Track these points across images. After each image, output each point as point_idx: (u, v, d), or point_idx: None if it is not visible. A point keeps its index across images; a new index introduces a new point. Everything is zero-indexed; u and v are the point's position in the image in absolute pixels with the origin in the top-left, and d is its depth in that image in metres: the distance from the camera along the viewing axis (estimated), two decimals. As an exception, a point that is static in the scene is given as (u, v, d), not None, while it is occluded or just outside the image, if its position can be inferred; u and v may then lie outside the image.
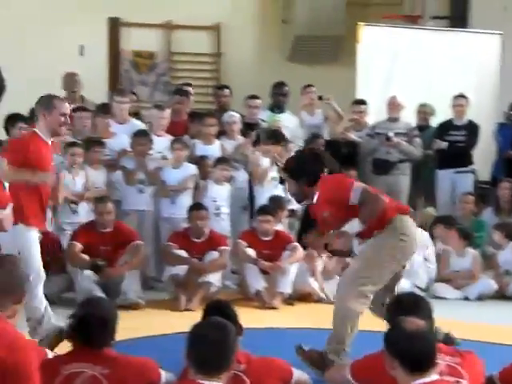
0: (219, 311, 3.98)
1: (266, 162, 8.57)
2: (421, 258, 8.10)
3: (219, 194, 8.27)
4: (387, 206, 5.08)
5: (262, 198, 8.39)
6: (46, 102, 5.61)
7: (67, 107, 5.73)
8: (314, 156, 5.46)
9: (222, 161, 8.34)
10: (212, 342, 3.27)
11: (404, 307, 3.65)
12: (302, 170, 5.28)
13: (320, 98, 9.72)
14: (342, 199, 5.04)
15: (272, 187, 8.53)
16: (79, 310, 3.81)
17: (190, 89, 9.58)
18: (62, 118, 5.60)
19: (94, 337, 3.70)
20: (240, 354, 3.81)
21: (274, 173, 8.57)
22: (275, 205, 8.11)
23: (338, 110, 9.67)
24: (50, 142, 5.62)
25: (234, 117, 8.89)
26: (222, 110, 9.29)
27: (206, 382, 3.23)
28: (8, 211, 4.81)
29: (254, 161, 8.57)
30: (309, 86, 9.75)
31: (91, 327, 3.69)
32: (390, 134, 9.27)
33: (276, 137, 8.68)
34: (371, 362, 3.62)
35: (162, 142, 8.46)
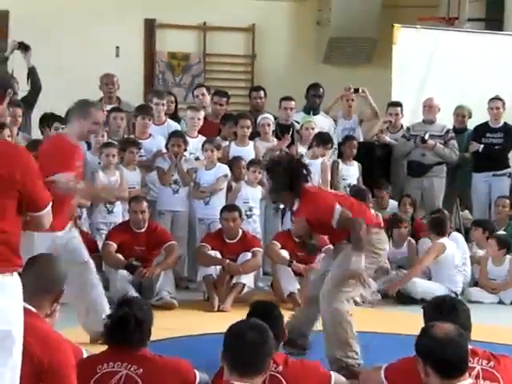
0: (265, 313, 4.00)
1: (315, 165, 8.52)
2: (458, 262, 8.03)
3: (251, 196, 8.27)
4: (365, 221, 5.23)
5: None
6: (84, 108, 5.63)
7: (102, 116, 5.78)
8: (299, 164, 5.48)
9: (253, 163, 8.33)
10: (250, 343, 3.27)
11: (442, 311, 3.62)
12: (287, 178, 5.29)
13: (356, 90, 9.70)
14: (323, 222, 5.25)
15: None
16: (116, 310, 3.85)
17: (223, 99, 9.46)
18: (94, 127, 5.64)
19: (129, 337, 3.73)
20: (278, 356, 3.82)
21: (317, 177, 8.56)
22: None
23: (372, 105, 9.65)
24: (78, 145, 5.67)
25: (267, 119, 8.90)
26: (256, 112, 9.31)
27: (240, 383, 3.23)
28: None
29: None
30: (355, 91, 9.71)
31: (127, 327, 3.72)
32: (426, 136, 9.23)
33: (325, 140, 8.69)
34: (406, 366, 3.59)
35: (195, 143, 8.51)
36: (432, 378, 3.24)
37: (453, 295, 7.23)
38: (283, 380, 3.75)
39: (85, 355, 3.83)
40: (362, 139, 9.62)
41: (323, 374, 3.92)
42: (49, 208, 3.29)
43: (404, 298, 7.77)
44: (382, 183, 9.10)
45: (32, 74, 8.52)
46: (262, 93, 9.58)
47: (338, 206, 5.22)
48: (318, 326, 5.54)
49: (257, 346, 3.28)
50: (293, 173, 5.31)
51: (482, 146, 9.35)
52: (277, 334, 3.86)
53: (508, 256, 8.20)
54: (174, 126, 8.75)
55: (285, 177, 5.29)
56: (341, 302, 5.13)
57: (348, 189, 8.92)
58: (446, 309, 3.66)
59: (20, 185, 3.11)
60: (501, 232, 8.64)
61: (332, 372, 3.95)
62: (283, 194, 5.35)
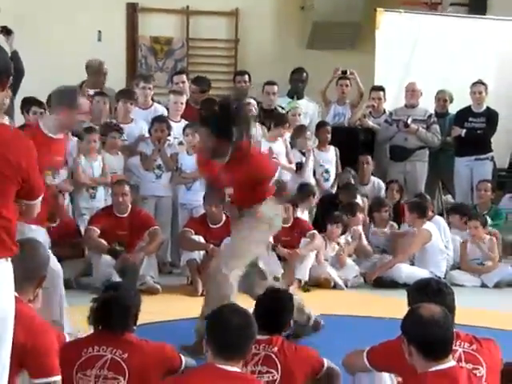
0: (283, 300, 4.10)
1: (277, 147, 8.55)
2: (441, 246, 8.08)
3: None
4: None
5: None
6: (72, 98, 5.22)
7: (87, 104, 5.55)
8: (243, 113, 5.21)
9: None
10: (236, 327, 3.30)
11: (428, 293, 3.63)
12: (229, 128, 4.92)
13: (344, 72, 9.71)
14: (267, 176, 5.24)
15: (283, 175, 8.53)
16: (102, 294, 3.85)
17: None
18: (83, 117, 5.42)
19: (115, 321, 3.73)
20: (275, 338, 3.88)
21: (283, 158, 8.57)
22: (305, 191, 8.15)
23: (360, 86, 9.67)
24: (55, 137, 5.18)
25: (250, 104, 8.87)
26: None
27: (225, 366, 3.25)
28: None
29: None
30: (343, 77, 9.71)
31: (113, 311, 3.73)
32: (409, 120, 9.25)
33: (279, 119, 8.65)
34: (389, 348, 3.61)
35: (178, 128, 8.48)
36: (415, 358, 3.26)
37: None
38: (277, 360, 3.79)
39: (67, 340, 3.82)
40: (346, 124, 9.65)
41: (316, 359, 3.95)
42: (41, 198, 3.29)
43: (387, 283, 7.80)
44: (366, 156, 9.15)
45: (15, 58, 8.43)
46: (246, 77, 9.57)
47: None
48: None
49: (242, 330, 3.32)
50: (242, 130, 5.02)
51: (464, 130, 9.38)
52: (286, 323, 4.04)
53: (488, 236, 8.25)
54: (160, 110, 8.72)
55: (237, 135, 4.98)
56: (234, 278, 5.12)
57: (325, 175, 8.96)
58: (432, 291, 3.67)
59: (25, 174, 3.12)
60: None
61: (325, 359, 3.97)
62: (225, 147, 5.00)
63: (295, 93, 9.60)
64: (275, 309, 4.01)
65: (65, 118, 5.13)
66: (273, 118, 8.70)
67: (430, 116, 9.46)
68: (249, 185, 5.13)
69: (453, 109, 9.81)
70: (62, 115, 5.12)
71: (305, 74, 9.68)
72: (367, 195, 9.06)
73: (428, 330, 3.22)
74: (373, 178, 9.31)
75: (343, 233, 8.04)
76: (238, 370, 3.29)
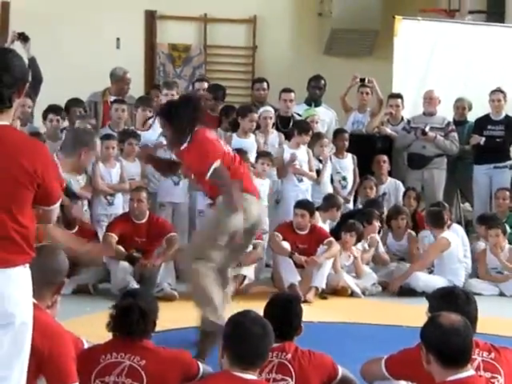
0: (290, 305, 4.06)
1: (300, 154, 8.55)
2: (460, 255, 8.04)
3: (260, 189, 8.23)
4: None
5: (286, 192, 8.47)
6: (90, 140, 5.31)
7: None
8: (192, 102, 5.42)
9: (263, 155, 8.31)
10: (254, 336, 3.32)
11: (454, 302, 3.60)
12: (180, 114, 5.24)
13: (362, 80, 9.69)
14: (200, 171, 5.30)
15: (303, 182, 8.53)
16: (121, 301, 3.86)
17: (291, 94, 9.32)
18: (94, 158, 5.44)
19: (133, 328, 3.74)
20: (289, 344, 3.87)
21: (305, 165, 8.57)
22: (330, 203, 8.16)
23: (379, 94, 9.65)
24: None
25: (269, 112, 8.86)
26: (258, 103, 9.31)
27: (242, 374, 3.25)
28: None
29: (277, 154, 8.58)
30: (364, 85, 9.70)
31: (132, 318, 3.74)
32: (427, 128, 9.23)
33: (302, 127, 8.67)
34: (407, 357, 3.60)
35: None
36: (434, 366, 3.24)
37: (453, 287, 7.25)
38: (291, 368, 3.78)
39: (85, 346, 3.83)
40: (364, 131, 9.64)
41: (331, 366, 3.92)
42: (59, 203, 3.30)
43: (405, 291, 7.77)
44: (383, 156, 9.20)
45: (32, 64, 8.50)
46: (265, 84, 9.58)
47: (217, 162, 5.24)
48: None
49: (261, 340, 3.34)
50: (196, 112, 5.30)
51: (483, 138, 9.34)
52: (296, 327, 3.99)
53: (507, 246, 8.19)
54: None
55: (189, 116, 5.25)
56: (201, 261, 5.19)
57: (343, 182, 8.96)
58: (458, 299, 3.64)
59: (40, 179, 3.12)
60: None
61: (340, 366, 3.95)
62: (181, 134, 5.26)
63: (313, 100, 9.60)
64: (284, 314, 3.98)
65: (84, 159, 5.23)
66: (296, 126, 8.71)
67: (448, 124, 9.43)
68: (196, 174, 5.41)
69: (471, 117, 9.77)
70: (82, 157, 5.19)
71: (323, 82, 9.68)
72: (386, 192, 9.08)
73: (448, 338, 3.21)
74: (390, 179, 9.30)
75: (358, 241, 8.01)
76: (255, 377, 3.29)
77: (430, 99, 9.46)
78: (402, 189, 9.21)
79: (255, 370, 3.31)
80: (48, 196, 3.22)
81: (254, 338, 3.30)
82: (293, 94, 9.29)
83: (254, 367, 3.31)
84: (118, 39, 11.32)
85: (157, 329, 3.93)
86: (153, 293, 6.32)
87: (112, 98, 8.84)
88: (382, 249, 8.29)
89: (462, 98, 9.77)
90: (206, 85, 9.38)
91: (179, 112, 5.26)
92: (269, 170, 8.29)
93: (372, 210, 8.50)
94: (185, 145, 5.30)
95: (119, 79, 9.02)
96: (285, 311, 3.98)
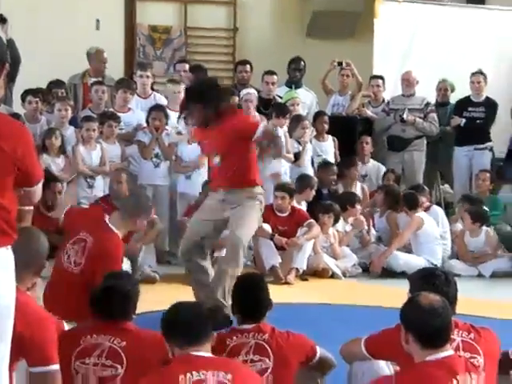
0: (252, 284, 4.06)
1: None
2: (436, 234, 8.09)
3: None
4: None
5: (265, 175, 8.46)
6: (150, 208, 5.56)
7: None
8: (215, 83, 5.79)
9: None
10: (192, 315, 3.39)
11: (434, 283, 3.62)
12: (211, 95, 5.53)
13: (340, 63, 9.69)
14: (248, 134, 5.52)
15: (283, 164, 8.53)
16: (102, 283, 3.86)
17: (273, 77, 9.34)
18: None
19: (114, 310, 3.74)
20: (265, 326, 3.88)
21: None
22: (304, 183, 8.15)
23: (358, 77, 9.64)
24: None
25: (250, 94, 8.84)
26: (241, 86, 9.28)
27: (195, 353, 3.29)
28: None
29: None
30: (343, 68, 9.68)
31: (113, 300, 3.74)
32: (404, 114, 9.23)
33: (280, 110, 8.65)
34: (387, 337, 3.62)
35: (176, 117, 8.46)
36: (413, 346, 3.26)
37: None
38: (268, 348, 3.79)
39: (66, 328, 3.83)
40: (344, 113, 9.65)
41: (309, 346, 3.94)
42: (41, 183, 3.29)
43: (385, 272, 7.82)
44: (366, 137, 9.27)
45: (10, 46, 8.43)
46: (248, 67, 9.56)
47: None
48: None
49: (199, 316, 3.42)
50: (220, 91, 5.70)
51: (463, 120, 9.38)
52: (265, 302, 3.98)
53: (484, 228, 8.25)
54: (160, 99, 8.72)
55: (218, 96, 5.59)
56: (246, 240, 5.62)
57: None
58: (439, 280, 3.66)
59: (20, 161, 3.10)
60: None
61: (318, 347, 3.97)
62: (213, 113, 5.54)
63: (293, 82, 9.58)
64: (253, 295, 3.98)
65: (139, 225, 5.41)
66: (274, 109, 8.69)
67: (427, 104, 9.44)
68: (235, 144, 5.53)
69: (454, 98, 9.80)
70: (138, 223, 5.31)
71: (302, 63, 9.66)
72: (367, 175, 9.11)
73: (426, 318, 3.22)
74: (373, 161, 9.34)
75: (335, 222, 8.04)
76: (207, 354, 3.33)
77: (407, 80, 9.48)
78: (384, 171, 9.24)
79: (203, 346, 3.34)
80: (29, 176, 3.20)
81: (192, 318, 3.37)
82: (275, 77, 9.27)
83: (199, 344, 3.32)
84: (97, 20, 11.22)
85: (138, 311, 3.94)
86: (134, 275, 6.30)
87: (91, 80, 8.80)
88: (365, 230, 8.33)
89: (444, 79, 9.80)
90: (187, 66, 9.35)
91: (210, 93, 5.55)
92: None
93: (354, 193, 8.54)
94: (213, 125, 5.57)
95: (93, 58, 8.98)
96: (252, 291, 3.99)
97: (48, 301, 4.77)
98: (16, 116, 7.46)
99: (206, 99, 5.52)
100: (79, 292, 4.64)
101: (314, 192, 8.31)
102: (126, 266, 5.65)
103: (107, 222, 5.16)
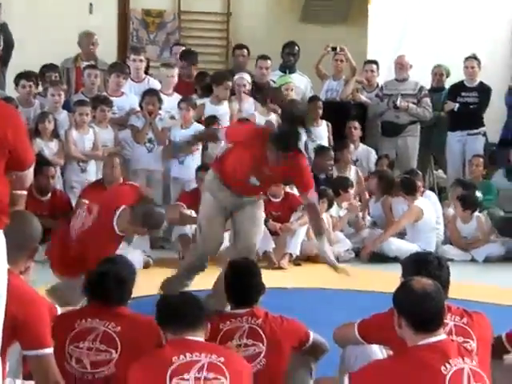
0: (245, 268, 4.05)
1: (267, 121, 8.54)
2: (433, 223, 8.10)
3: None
4: None
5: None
6: (159, 222, 5.38)
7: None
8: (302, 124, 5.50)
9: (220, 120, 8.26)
10: (187, 301, 3.45)
11: (427, 267, 3.63)
12: (294, 142, 5.31)
13: (334, 48, 9.65)
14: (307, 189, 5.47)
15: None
16: (98, 267, 3.85)
17: (267, 62, 9.29)
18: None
19: (109, 293, 3.74)
20: (258, 310, 3.88)
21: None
22: None
23: (352, 62, 9.61)
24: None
25: (243, 79, 8.82)
26: (238, 70, 9.26)
27: (191, 337, 3.33)
28: None
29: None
30: (333, 49, 9.64)
31: (107, 284, 3.74)
32: (398, 101, 9.21)
33: (273, 95, 8.63)
34: (379, 321, 3.63)
35: (170, 101, 8.45)
36: (405, 330, 3.26)
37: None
38: (262, 333, 3.80)
39: (59, 312, 3.82)
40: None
41: (302, 331, 3.95)
42: (32, 167, 3.28)
43: (377, 257, 7.83)
44: (354, 122, 9.24)
45: (4, 30, 8.40)
46: (245, 51, 9.55)
47: None
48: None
49: (194, 303, 3.46)
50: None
51: (457, 105, 9.37)
52: (258, 287, 3.97)
53: (475, 214, 8.26)
54: (154, 83, 8.70)
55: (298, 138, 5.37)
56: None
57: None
58: (431, 264, 3.67)
59: (11, 144, 3.08)
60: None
61: (311, 331, 3.98)
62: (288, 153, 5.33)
63: (287, 67, 9.56)
64: (245, 280, 3.97)
65: (142, 232, 5.46)
66: (269, 94, 8.67)
67: (420, 89, 9.42)
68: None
69: (449, 83, 9.78)
70: (141, 231, 5.34)
71: (296, 48, 9.63)
72: (358, 160, 9.11)
73: (419, 302, 3.23)
74: (362, 145, 9.32)
75: (329, 207, 8.04)
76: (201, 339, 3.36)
77: (400, 65, 9.46)
78: (374, 156, 9.24)
79: (197, 331, 3.37)
80: (21, 160, 3.18)
81: (186, 304, 3.43)
82: (269, 62, 9.25)
83: (193, 329, 3.36)
84: (90, 4, 11.16)
85: (132, 295, 3.94)
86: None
87: (84, 64, 8.77)
88: (360, 215, 8.34)
89: (439, 64, 9.77)
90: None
91: (293, 140, 5.32)
92: None
93: (347, 178, 8.53)
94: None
95: (83, 41, 8.98)
96: (245, 276, 3.98)
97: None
98: (9, 99, 7.44)
99: (290, 149, 5.30)
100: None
101: None
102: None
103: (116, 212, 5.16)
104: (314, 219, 5.56)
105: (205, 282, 5.81)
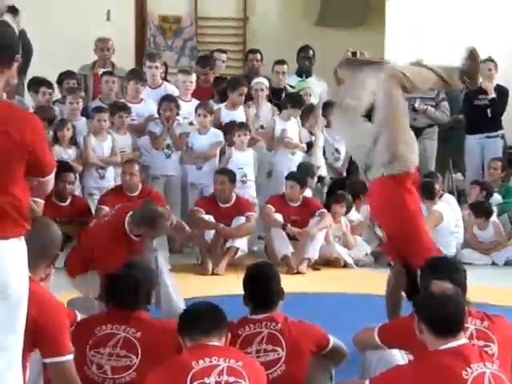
0: (263, 273, 4.02)
1: (291, 126, 8.53)
2: (452, 227, 8.05)
3: (244, 161, 8.20)
4: None
5: (279, 165, 8.41)
6: (156, 225, 5.47)
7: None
8: None
9: (240, 126, 8.27)
10: (207, 308, 3.47)
11: (443, 271, 3.62)
12: None
13: (354, 54, 9.61)
14: None
15: (296, 154, 8.51)
16: (117, 272, 3.86)
17: (223, 55, 9.53)
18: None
19: (127, 299, 3.75)
20: (277, 315, 3.87)
21: (296, 137, 8.53)
22: (304, 171, 8.11)
23: None
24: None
25: (261, 84, 8.82)
26: (252, 74, 9.28)
27: (209, 342, 3.34)
28: None
29: (267, 126, 8.57)
30: (353, 54, 9.61)
31: (124, 289, 3.74)
32: (416, 103, 9.18)
33: (296, 100, 8.63)
34: (400, 325, 3.63)
35: (188, 107, 8.46)
36: (426, 335, 3.26)
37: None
38: (281, 338, 3.79)
39: (79, 318, 3.83)
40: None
41: (321, 336, 3.94)
42: (53, 173, 3.28)
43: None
44: None
45: (22, 37, 8.43)
46: (258, 55, 9.59)
47: None
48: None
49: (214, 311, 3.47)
50: None
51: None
52: (277, 291, 3.94)
53: (491, 219, 8.20)
54: (171, 89, 8.71)
55: None
56: None
57: (336, 154, 8.92)
58: (448, 269, 3.66)
59: (31, 148, 3.08)
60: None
61: (330, 336, 3.97)
62: None
63: (303, 71, 9.56)
64: (264, 284, 3.95)
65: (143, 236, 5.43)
66: (290, 99, 8.67)
67: (438, 93, 9.39)
68: None
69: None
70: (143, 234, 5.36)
71: (311, 52, 9.63)
72: None
73: (440, 306, 3.22)
74: None
75: (347, 212, 8.02)
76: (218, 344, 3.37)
77: (417, 67, 9.41)
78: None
79: (216, 338, 3.37)
80: (41, 166, 3.19)
81: (206, 311, 3.45)
82: (286, 66, 9.26)
83: (212, 335, 3.36)
84: (108, 11, 11.21)
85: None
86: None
87: (101, 71, 8.81)
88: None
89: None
90: (224, 56, 9.51)
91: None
92: (246, 141, 8.21)
93: (364, 182, 8.49)
94: None
95: (97, 47, 9.01)
96: (264, 281, 3.96)
97: None
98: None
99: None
100: None
101: (315, 180, 8.29)
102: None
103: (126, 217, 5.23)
104: None
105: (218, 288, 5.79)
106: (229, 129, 8.32)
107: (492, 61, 9.40)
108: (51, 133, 7.69)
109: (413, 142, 4.99)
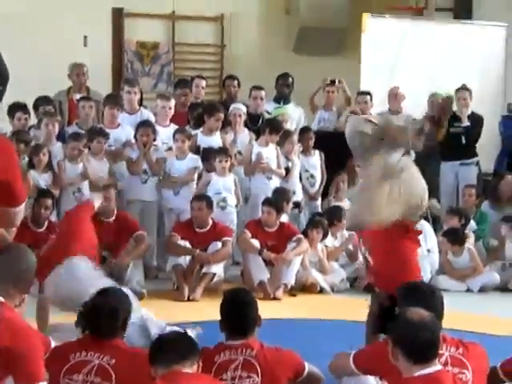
0: (240, 299, 4.01)
1: (268, 152, 8.55)
2: (425, 252, 8.08)
3: (223, 186, 8.21)
4: None
5: (256, 189, 8.45)
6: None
7: None
8: None
9: (220, 152, 8.29)
10: (178, 335, 3.55)
11: (420, 297, 3.63)
12: None
13: (332, 82, 9.72)
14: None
15: (272, 179, 8.53)
16: (90, 299, 3.84)
17: (203, 81, 9.55)
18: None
19: (103, 327, 3.73)
20: (253, 342, 3.87)
21: (274, 163, 8.56)
22: (280, 196, 8.12)
23: (348, 93, 9.69)
24: None
25: (239, 110, 8.85)
26: (230, 100, 9.31)
27: (182, 369, 3.36)
28: None
29: (245, 152, 8.60)
30: (332, 83, 9.72)
31: (101, 317, 3.72)
32: None
33: (274, 127, 8.66)
34: (375, 352, 3.63)
35: (166, 132, 8.47)
36: (401, 361, 3.26)
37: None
38: (257, 365, 3.78)
39: (53, 345, 3.81)
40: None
41: (298, 363, 3.94)
42: (23, 205, 3.23)
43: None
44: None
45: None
46: (235, 82, 9.64)
47: None
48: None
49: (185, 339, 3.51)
50: None
51: None
52: (253, 318, 3.94)
53: (466, 246, 8.24)
54: (147, 115, 8.71)
55: None
56: None
57: (311, 180, 8.96)
58: (424, 294, 3.67)
59: (3, 176, 3.02)
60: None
61: (306, 363, 3.96)
62: None
63: (281, 98, 9.61)
64: (241, 311, 3.94)
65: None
66: (268, 125, 8.69)
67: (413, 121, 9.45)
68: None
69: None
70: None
71: (290, 79, 9.69)
72: None
73: (415, 333, 3.22)
74: None
75: (324, 237, 8.04)
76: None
77: (394, 96, 9.52)
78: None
79: (188, 364, 3.39)
80: (12, 196, 3.12)
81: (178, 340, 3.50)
82: (263, 92, 9.30)
83: (183, 362, 3.38)
84: (85, 37, 11.24)
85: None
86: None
87: (77, 96, 8.80)
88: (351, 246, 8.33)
89: (436, 93, 9.78)
90: (203, 82, 9.44)
91: None
92: (227, 167, 8.23)
93: (341, 208, 8.52)
94: None
95: (72, 73, 8.98)
96: (240, 307, 3.95)
97: None
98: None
99: None
100: None
101: (290, 205, 8.30)
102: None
103: None
104: None
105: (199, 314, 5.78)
106: (208, 154, 8.33)
107: (467, 89, 9.50)
108: (26, 158, 7.67)
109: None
